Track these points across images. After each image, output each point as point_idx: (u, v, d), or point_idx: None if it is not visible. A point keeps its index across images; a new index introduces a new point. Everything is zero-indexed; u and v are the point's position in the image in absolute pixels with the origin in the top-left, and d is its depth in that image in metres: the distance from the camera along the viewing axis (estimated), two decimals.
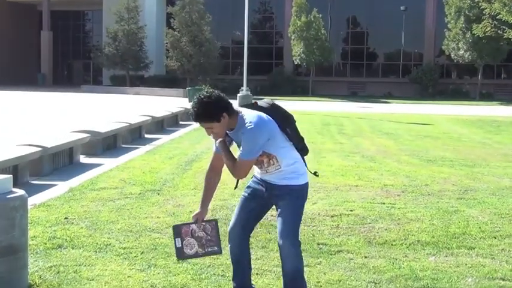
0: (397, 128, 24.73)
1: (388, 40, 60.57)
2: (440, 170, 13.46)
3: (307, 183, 5.37)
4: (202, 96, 5.05)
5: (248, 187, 5.53)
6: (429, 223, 8.60)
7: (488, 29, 37.03)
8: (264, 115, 5.17)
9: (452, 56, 53.62)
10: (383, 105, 44.40)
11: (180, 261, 5.61)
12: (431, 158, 15.69)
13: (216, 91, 5.15)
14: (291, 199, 5.28)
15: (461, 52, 52.31)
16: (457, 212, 9.31)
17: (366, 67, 62.73)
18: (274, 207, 5.45)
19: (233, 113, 5.11)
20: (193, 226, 5.32)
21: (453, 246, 7.53)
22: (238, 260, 5.53)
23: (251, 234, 5.59)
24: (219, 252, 5.35)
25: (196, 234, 5.32)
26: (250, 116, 5.13)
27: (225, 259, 6.75)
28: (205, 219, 5.37)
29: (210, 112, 5.03)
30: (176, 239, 5.31)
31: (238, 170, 5.14)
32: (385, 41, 60.67)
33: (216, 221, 5.44)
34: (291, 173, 5.29)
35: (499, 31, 36.93)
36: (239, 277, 5.55)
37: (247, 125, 5.07)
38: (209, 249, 5.32)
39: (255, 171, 5.49)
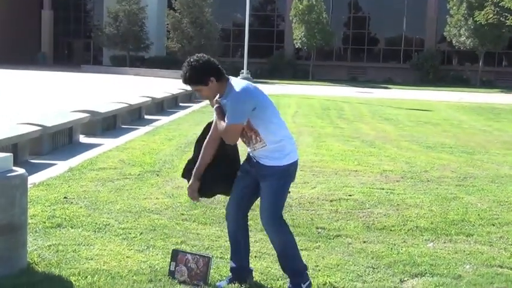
0: (397, 114, 24.71)
1: (390, 25, 60.44)
2: (440, 157, 13.46)
3: (294, 163, 5.38)
4: (191, 60, 5.19)
5: (242, 165, 5.57)
6: (428, 209, 8.61)
7: (491, 16, 36.87)
8: (253, 85, 5.31)
9: (454, 42, 53.50)
10: (383, 90, 44.35)
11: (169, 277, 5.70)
12: (431, 144, 15.68)
13: (205, 56, 5.27)
14: (272, 180, 5.31)
15: (462, 39, 52.19)
16: (456, 199, 9.31)
17: (367, 52, 62.59)
18: None
19: (222, 79, 5.24)
20: (189, 256, 5.63)
21: (452, 233, 7.54)
22: (236, 239, 5.57)
23: (250, 217, 5.61)
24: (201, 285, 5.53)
25: (189, 265, 5.59)
26: (238, 83, 5.25)
27: (223, 242, 6.76)
28: (201, 253, 5.71)
29: (198, 75, 5.17)
30: (172, 262, 5.67)
31: (225, 134, 5.21)
32: (387, 26, 60.54)
33: (209, 258, 5.59)
34: (275, 152, 5.29)
35: (501, 18, 36.77)
36: (237, 257, 5.59)
37: (234, 88, 5.18)
38: (194, 282, 5.52)
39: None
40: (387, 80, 55.92)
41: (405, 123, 21.26)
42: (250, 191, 5.50)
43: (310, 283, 5.51)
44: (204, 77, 5.16)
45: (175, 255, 5.67)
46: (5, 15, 68.00)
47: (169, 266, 5.68)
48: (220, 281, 5.60)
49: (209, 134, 5.47)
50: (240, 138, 5.35)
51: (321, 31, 54.90)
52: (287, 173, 5.35)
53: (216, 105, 5.27)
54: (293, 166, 5.38)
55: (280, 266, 5.62)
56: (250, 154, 5.47)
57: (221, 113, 5.23)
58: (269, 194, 5.33)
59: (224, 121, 5.17)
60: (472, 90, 46.39)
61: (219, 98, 5.28)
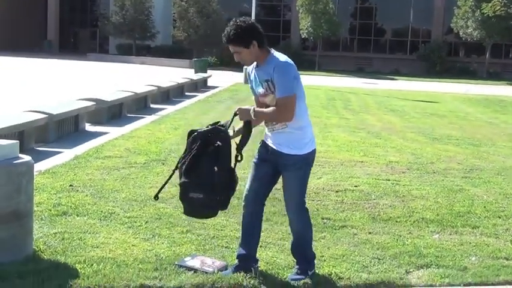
0: (403, 105, 24.67)
1: (397, 16, 60.22)
2: (446, 148, 13.43)
3: (313, 151, 5.45)
4: (237, 20, 5.20)
5: (257, 152, 5.57)
6: (434, 201, 8.60)
7: (498, 7, 36.82)
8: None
9: (461, 34, 53.30)
10: (390, 81, 44.27)
11: (177, 264, 5.68)
12: (437, 136, 15.66)
13: (252, 20, 5.28)
14: (295, 170, 5.38)
15: (469, 30, 51.99)
16: (462, 191, 9.30)
17: (374, 43, 62.41)
18: None
19: (263, 47, 5.27)
20: (207, 260, 5.74)
21: (457, 225, 7.52)
22: (250, 228, 5.60)
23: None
24: (210, 272, 5.53)
25: (205, 261, 5.72)
26: (281, 55, 5.29)
27: (229, 231, 6.77)
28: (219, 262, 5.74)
29: (242, 36, 5.16)
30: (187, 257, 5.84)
31: (284, 111, 5.20)
32: (394, 17, 60.32)
33: (226, 264, 5.72)
34: (295, 141, 5.33)
35: (508, 10, 36.71)
36: (247, 245, 5.60)
37: (279, 58, 5.22)
38: (204, 268, 5.59)
39: (265, 129, 5.55)
40: (394, 71, 55.72)
41: (411, 114, 21.22)
42: (269, 180, 5.56)
43: (315, 272, 5.59)
44: (248, 38, 5.17)
45: (195, 255, 5.86)
46: (11, 3, 67.96)
47: (183, 259, 5.78)
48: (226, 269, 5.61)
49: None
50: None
51: (327, 21, 54.73)
52: (307, 161, 5.43)
53: (253, 109, 5.28)
54: (312, 154, 5.45)
55: (292, 251, 5.70)
56: (267, 141, 5.47)
57: (262, 110, 5.29)
58: (295, 184, 5.44)
59: (269, 110, 5.24)
60: (478, 82, 46.25)
61: (256, 66, 5.32)
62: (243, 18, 5.27)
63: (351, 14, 62.94)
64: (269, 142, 5.44)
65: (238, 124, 5.41)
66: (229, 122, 5.33)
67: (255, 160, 5.56)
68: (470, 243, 6.84)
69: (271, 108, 5.26)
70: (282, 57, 5.28)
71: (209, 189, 5.16)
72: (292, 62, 5.25)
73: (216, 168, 5.17)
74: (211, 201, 5.22)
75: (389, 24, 62.16)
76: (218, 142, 5.21)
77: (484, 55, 54.45)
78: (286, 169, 5.39)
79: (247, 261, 5.55)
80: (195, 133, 5.28)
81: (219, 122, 5.40)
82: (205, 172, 5.17)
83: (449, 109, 24.23)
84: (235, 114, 5.33)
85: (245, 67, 36.40)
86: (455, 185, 9.66)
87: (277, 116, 5.25)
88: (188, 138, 5.33)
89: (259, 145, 5.59)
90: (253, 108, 5.29)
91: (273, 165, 5.45)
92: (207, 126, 5.34)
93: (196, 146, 5.20)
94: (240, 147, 5.32)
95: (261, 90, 5.33)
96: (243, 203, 5.62)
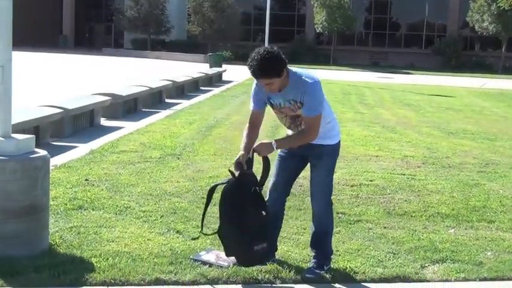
0: (418, 100, 24.58)
1: (412, 10, 60.01)
2: (462, 143, 13.38)
3: (340, 141, 5.64)
4: (264, 52, 5.07)
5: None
6: (449, 195, 8.57)
7: None
8: (312, 74, 5.36)
9: (476, 28, 53.04)
10: (405, 76, 44.13)
11: (192, 258, 5.69)
12: (452, 130, 15.60)
13: (273, 46, 5.21)
14: (328, 158, 5.55)
15: (485, 24, 51.73)
16: (477, 185, 9.26)
17: (389, 37, 62.21)
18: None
19: (287, 69, 5.24)
20: (222, 254, 5.63)
21: (473, 219, 7.49)
22: (273, 222, 5.62)
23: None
24: (225, 267, 5.52)
25: (220, 256, 5.67)
26: (303, 72, 5.28)
27: None
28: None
29: (274, 67, 5.09)
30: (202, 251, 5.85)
31: (312, 131, 5.26)
32: (409, 11, 60.12)
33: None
34: (327, 132, 5.45)
35: None
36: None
37: (307, 79, 5.20)
38: (219, 262, 5.58)
39: (287, 130, 5.63)
40: (409, 65, 55.49)
41: (427, 109, 21.15)
42: (295, 172, 5.67)
43: (330, 267, 5.61)
44: (279, 68, 5.10)
45: (209, 250, 5.86)
46: None
47: (198, 253, 5.79)
48: None
49: (249, 122, 5.45)
50: (284, 121, 5.48)
51: (342, 16, 54.62)
52: (337, 151, 5.64)
53: (277, 145, 5.28)
54: (340, 143, 5.65)
55: (312, 245, 5.70)
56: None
57: (287, 140, 5.43)
58: (325, 174, 5.56)
59: (296, 135, 5.35)
60: (494, 76, 46.02)
61: (283, 89, 5.23)
62: (264, 49, 5.12)
63: (365, 9, 62.77)
64: None
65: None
66: (250, 158, 5.32)
67: (282, 154, 5.58)
68: (486, 237, 6.81)
69: (293, 135, 5.39)
70: (308, 76, 5.26)
71: (267, 235, 5.35)
72: (317, 78, 5.28)
73: (264, 212, 5.32)
74: (273, 246, 5.42)
75: (404, 18, 61.95)
76: (254, 187, 5.30)
77: (500, 49, 54.17)
78: (318, 158, 5.49)
79: (270, 252, 5.60)
80: (226, 185, 5.32)
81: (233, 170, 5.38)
82: (258, 220, 5.29)
83: (464, 103, 24.13)
84: (253, 151, 5.30)
85: None
86: (471, 180, 9.62)
87: (302, 139, 5.33)
88: (211, 193, 5.45)
89: None
90: (274, 141, 5.29)
91: (301, 159, 5.56)
92: (232, 176, 5.33)
93: (235, 198, 5.27)
94: (261, 183, 5.38)
95: (286, 105, 5.34)
96: (269, 197, 5.64)
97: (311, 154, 5.48)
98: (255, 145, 5.31)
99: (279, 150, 5.53)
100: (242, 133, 5.49)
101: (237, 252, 5.37)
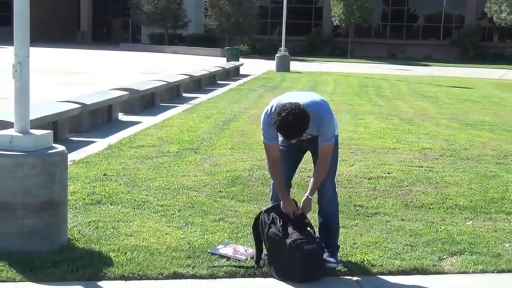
0: (436, 91, 24.48)
1: (429, 1, 59.72)
2: (480, 135, 13.32)
3: (338, 135, 5.67)
4: (296, 113, 5.01)
5: (283, 139, 5.53)
6: (467, 187, 8.53)
7: None
8: (316, 97, 5.46)
9: (495, 18, 52.65)
10: (423, 67, 43.94)
11: (210, 252, 5.71)
12: (470, 122, 15.53)
13: (296, 102, 5.13)
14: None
15: (503, 15, 51.34)
16: (495, 177, 9.21)
17: (406, 29, 61.94)
18: None
19: None
20: (239, 248, 5.79)
21: (491, 211, 7.46)
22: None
23: None
24: (243, 260, 5.56)
25: (237, 249, 5.76)
26: (308, 99, 5.31)
27: None
28: (251, 250, 5.68)
29: (306, 125, 5.11)
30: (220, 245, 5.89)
31: (328, 157, 5.42)
32: (426, 2, 59.82)
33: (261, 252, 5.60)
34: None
35: None
36: None
37: (321, 113, 5.27)
38: (237, 256, 5.62)
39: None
40: (426, 57, 55.25)
41: (444, 100, 21.05)
42: (297, 163, 5.77)
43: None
44: (308, 124, 5.12)
45: (227, 243, 5.91)
46: None
47: (215, 246, 5.83)
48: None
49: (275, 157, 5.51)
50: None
51: (359, 8, 54.41)
52: (337, 142, 5.66)
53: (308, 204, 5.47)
54: (338, 136, 5.69)
55: (321, 235, 5.67)
56: None
57: (312, 189, 5.51)
58: (332, 164, 5.59)
59: (317, 179, 5.46)
60: None
61: None
62: (292, 107, 5.03)
63: (383, 1, 62.49)
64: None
65: None
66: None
67: (283, 148, 5.57)
68: (504, 229, 6.78)
69: (316, 176, 5.47)
70: (318, 105, 5.31)
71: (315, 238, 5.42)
72: (325, 100, 5.43)
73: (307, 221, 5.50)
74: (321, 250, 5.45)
75: (421, 10, 61.64)
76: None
77: None
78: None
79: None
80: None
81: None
82: (305, 223, 5.45)
83: (483, 95, 24.00)
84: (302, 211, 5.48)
85: (278, 55, 36.39)
86: (489, 171, 9.57)
87: (323, 171, 5.46)
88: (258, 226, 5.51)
89: None
90: (309, 195, 5.47)
91: (300, 150, 5.67)
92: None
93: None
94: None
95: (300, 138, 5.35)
96: (273, 189, 5.73)
97: (316, 145, 5.47)
98: (301, 205, 5.48)
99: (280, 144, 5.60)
100: (270, 171, 5.61)
101: (290, 262, 5.26)
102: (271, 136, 5.39)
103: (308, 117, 5.06)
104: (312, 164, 5.68)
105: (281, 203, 5.47)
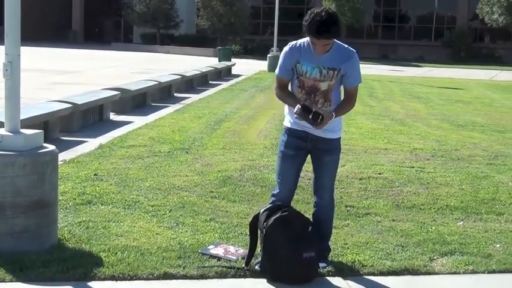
0: (428, 92, 24.52)
1: (421, 2, 59.85)
2: (471, 135, 13.35)
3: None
4: (329, 11, 5.07)
5: (287, 142, 5.51)
6: (458, 188, 8.55)
7: None
8: None
9: (486, 20, 52.82)
10: (414, 68, 44.02)
11: (201, 252, 5.70)
12: (462, 122, 15.56)
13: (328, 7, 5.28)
14: (337, 153, 5.58)
15: (495, 16, 51.51)
16: (486, 178, 9.23)
17: (398, 30, 62.08)
18: None
19: None
20: (230, 248, 5.78)
21: (482, 212, 7.48)
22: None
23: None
24: (233, 260, 5.56)
25: (228, 249, 5.74)
26: (342, 43, 5.36)
27: None
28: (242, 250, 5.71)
29: (339, 27, 5.13)
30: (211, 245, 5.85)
31: (354, 101, 5.46)
32: (418, 3, 59.94)
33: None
34: (338, 124, 5.50)
35: None
36: None
37: (352, 49, 5.31)
38: (228, 256, 5.62)
39: (294, 123, 5.48)
40: (418, 58, 55.33)
41: (436, 101, 21.09)
42: (299, 170, 5.65)
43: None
44: (340, 29, 5.16)
45: (218, 244, 5.89)
46: None
47: (206, 247, 5.81)
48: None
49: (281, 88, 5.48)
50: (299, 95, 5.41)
51: (351, 9, 54.47)
52: (340, 144, 5.63)
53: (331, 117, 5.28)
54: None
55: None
56: (304, 129, 5.41)
57: (340, 111, 5.40)
58: (334, 168, 5.63)
59: (342, 106, 5.40)
60: (504, 69, 45.76)
61: (324, 52, 5.22)
62: (326, 8, 5.14)
63: (374, 1, 62.60)
64: (312, 130, 5.37)
65: None
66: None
67: (287, 151, 5.50)
68: (494, 230, 6.80)
69: (345, 105, 5.42)
70: (351, 49, 5.35)
71: (315, 245, 5.36)
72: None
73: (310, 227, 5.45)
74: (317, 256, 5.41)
75: (413, 10, 61.81)
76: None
77: (510, 41, 54.02)
78: (329, 153, 5.50)
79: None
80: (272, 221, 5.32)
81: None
82: (306, 226, 5.42)
83: (474, 95, 24.06)
84: (315, 113, 5.16)
85: (269, 55, 36.39)
86: (480, 172, 9.59)
87: (350, 107, 5.47)
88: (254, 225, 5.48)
89: (287, 135, 5.53)
90: (332, 113, 5.28)
91: (305, 154, 5.56)
92: (305, 111, 5.25)
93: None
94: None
95: (317, 75, 5.29)
96: (278, 191, 5.60)
97: (320, 148, 5.45)
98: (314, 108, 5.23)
99: (282, 146, 5.53)
100: (278, 95, 5.53)
101: (286, 263, 5.23)
102: (285, 70, 5.41)
103: (339, 19, 5.11)
104: (312, 166, 5.67)
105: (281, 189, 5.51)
